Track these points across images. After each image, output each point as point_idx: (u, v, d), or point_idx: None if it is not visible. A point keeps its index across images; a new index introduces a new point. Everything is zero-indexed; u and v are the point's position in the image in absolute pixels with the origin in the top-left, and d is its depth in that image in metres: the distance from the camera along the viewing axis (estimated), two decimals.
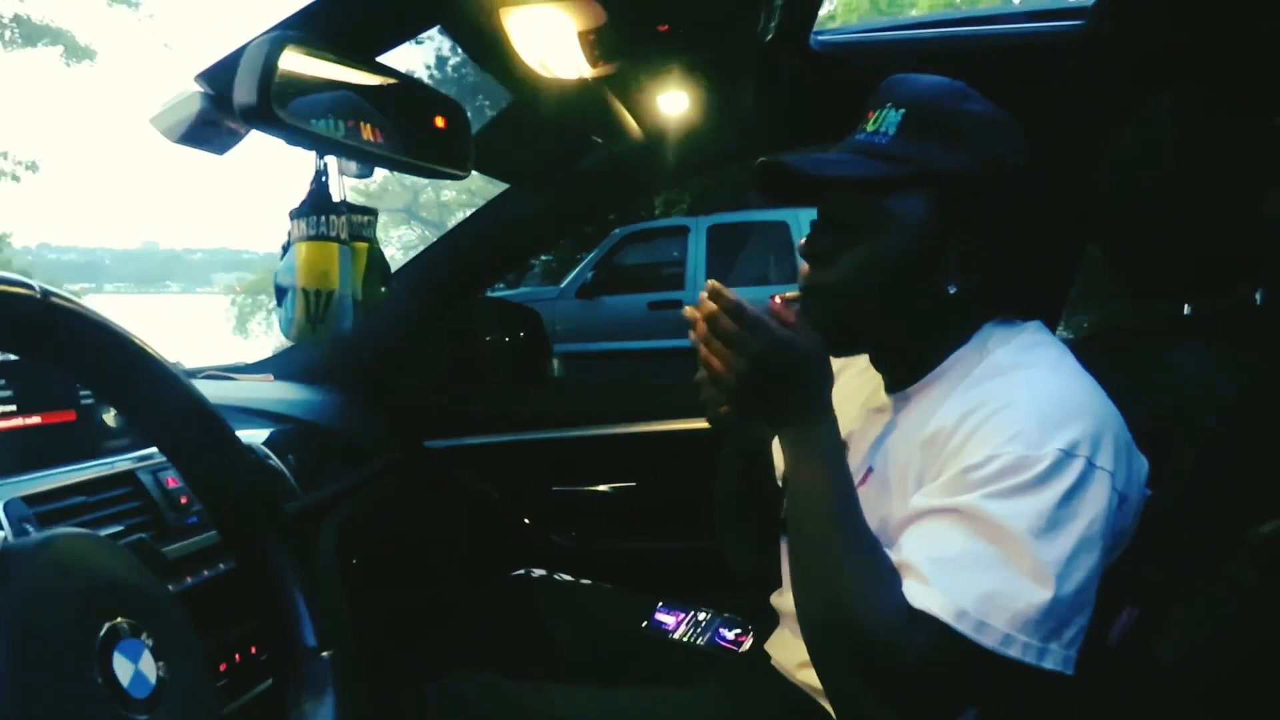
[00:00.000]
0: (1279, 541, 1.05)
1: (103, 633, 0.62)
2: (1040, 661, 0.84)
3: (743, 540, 1.31)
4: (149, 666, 0.65)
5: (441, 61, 12.29)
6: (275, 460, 1.37)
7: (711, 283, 0.95)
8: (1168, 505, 0.98)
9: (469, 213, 1.98)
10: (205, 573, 1.09)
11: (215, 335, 17.55)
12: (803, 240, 1.07)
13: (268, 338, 16.83)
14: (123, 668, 0.62)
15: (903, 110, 1.00)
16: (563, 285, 8.86)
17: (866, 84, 1.07)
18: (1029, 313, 1.08)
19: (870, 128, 1.02)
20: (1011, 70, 1.48)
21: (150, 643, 0.66)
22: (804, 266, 1.06)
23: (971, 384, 0.99)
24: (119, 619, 0.64)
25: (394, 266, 1.34)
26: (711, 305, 0.94)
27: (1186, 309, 1.29)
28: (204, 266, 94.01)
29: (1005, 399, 0.92)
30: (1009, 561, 0.85)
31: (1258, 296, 1.22)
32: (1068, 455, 0.86)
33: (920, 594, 0.86)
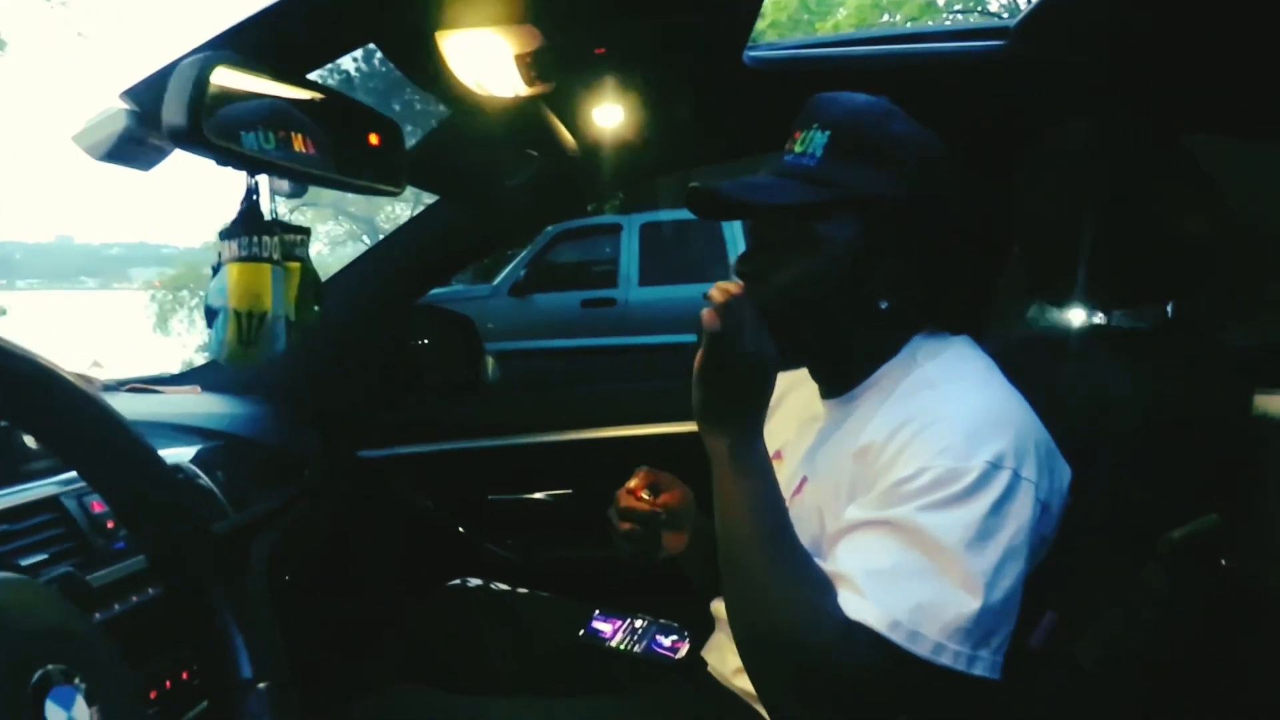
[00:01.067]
0: (1189, 548, 1.10)
1: (34, 680, 0.61)
2: (970, 668, 0.87)
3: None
4: (82, 713, 0.63)
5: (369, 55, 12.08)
6: (204, 479, 1.34)
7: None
8: (1086, 513, 1.02)
9: (397, 207, 1.97)
10: (134, 599, 1.06)
11: (135, 333, 16.94)
12: (737, 259, 1.10)
13: (190, 335, 16.33)
14: (55, 716, 0.61)
15: (829, 132, 1.02)
16: (495, 283, 8.78)
17: (798, 99, 1.09)
18: (957, 325, 1.11)
19: (798, 149, 1.04)
20: (937, 88, 1.52)
21: (83, 687, 0.64)
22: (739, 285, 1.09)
23: (902, 396, 1.03)
24: (49, 665, 0.62)
25: (321, 261, 1.33)
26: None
27: (1101, 319, 1.33)
28: (121, 262, 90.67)
29: (934, 414, 0.96)
30: (941, 572, 0.88)
31: (1169, 309, 1.28)
32: (994, 467, 0.90)
33: (855, 605, 0.89)
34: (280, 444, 1.69)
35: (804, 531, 1.05)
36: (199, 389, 1.75)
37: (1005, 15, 12.61)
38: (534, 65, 1.08)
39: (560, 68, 1.12)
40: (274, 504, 1.51)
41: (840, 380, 1.12)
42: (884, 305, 1.05)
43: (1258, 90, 1.72)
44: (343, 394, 1.95)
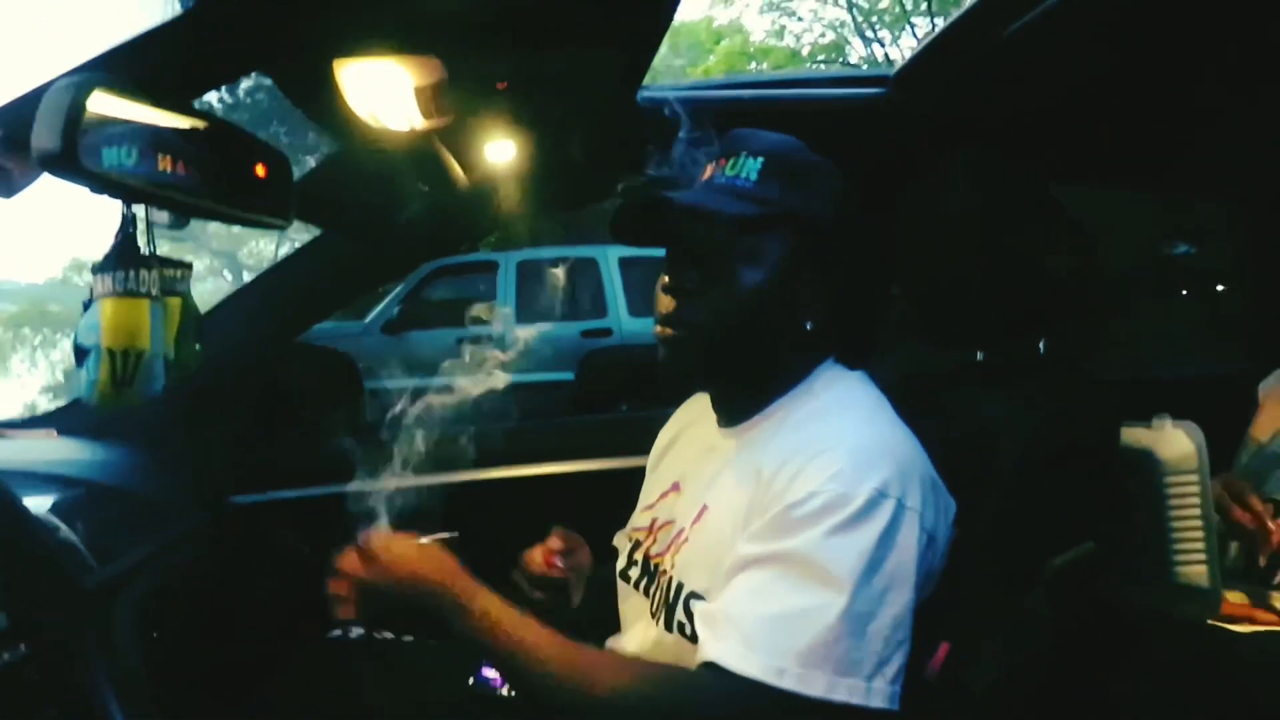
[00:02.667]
0: (1070, 574, 1.16)
1: None
2: (868, 701, 0.89)
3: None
4: None
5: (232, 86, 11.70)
6: (65, 530, 1.24)
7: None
8: (973, 543, 1.06)
9: (261, 242, 1.90)
10: (5, 655, 0.97)
11: None
12: (664, 277, 1.11)
13: (32, 376, 15.25)
14: None
15: (761, 158, 1.07)
16: (367, 320, 8.55)
17: (688, 137, 1.12)
18: (855, 356, 1.15)
19: (730, 172, 1.09)
20: (822, 132, 1.58)
21: None
22: (665, 301, 1.10)
23: (797, 425, 1.06)
24: None
25: None
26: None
27: (979, 356, 1.39)
28: None
29: (825, 442, 0.98)
30: (829, 606, 0.90)
31: (1041, 346, 1.35)
32: (881, 495, 0.93)
33: (739, 658, 0.90)
34: (146, 490, 1.58)
35: (703, 560, 1.06)
36: (54, 433, 1.63)
37: (864, 66, 13.28)
38: (434, 98, 1.07)
39: (460, 101, 1.11)
40: (142, 555, 1.41)
41: (743, 407, 1.14)
42: (809, 325, 1.09)
43: (1109, 143, 1.85)
44: (213, 436, 1.85)
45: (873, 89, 1.60)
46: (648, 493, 1.32)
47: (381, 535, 1.14)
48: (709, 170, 1.12)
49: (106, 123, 0.91)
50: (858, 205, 1.12)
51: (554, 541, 1.34)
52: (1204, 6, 1.19)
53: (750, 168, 1.08)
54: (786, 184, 1.07)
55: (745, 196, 1.06)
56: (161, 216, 1.06)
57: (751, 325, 1.08)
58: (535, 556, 1.34)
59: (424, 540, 1.14)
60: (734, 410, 1.16)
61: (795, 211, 1.06)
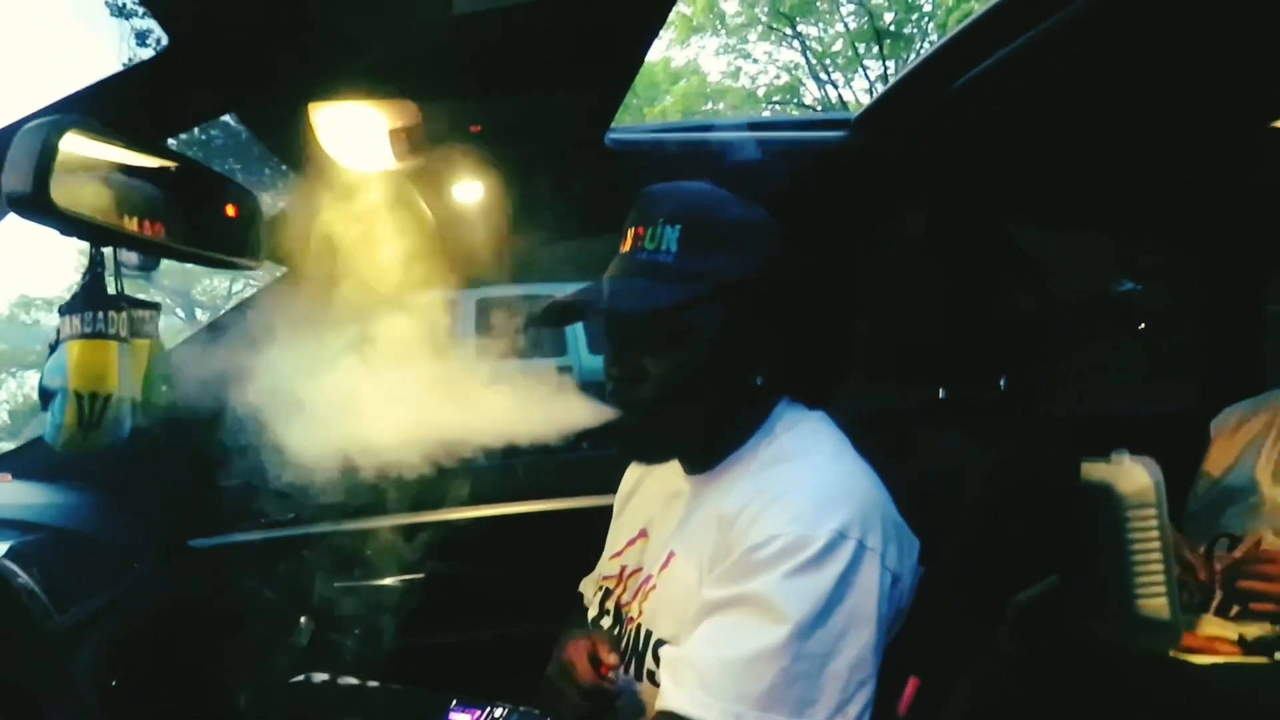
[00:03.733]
0: (1035, 609, 1.17)
1: None
2: None
3: None
4: None
5: None
6: (22, 576, 1.21)
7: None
8: (938, 580, 1.07)
9: (215, 280, 1.87)
10: None
11: None
12: (610, 365, 1.10)
13: None
14: None
15: (679, 226, 1.05)
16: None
17: (654, 179, 1.13)
18: (814, 397, 1.16)
19: (649, 245, 1.06)
20: (786, 174, 1.61)
21: None
22: (616, 390, 1.09)
23: (759, 468, 1.07)
24: None
25: None
26: None
27: (941, 394, 1.42)
28: None
29: (786, 484, 0.99)
30: (785, 649, 0.90)
31: (1002, 383, 1.37)
32: (841, 536, 0.93)
33: (699, 705, 0.91)
34: (104, 535, 1.55)
35: (670, 607, 1.06)
36: (9, 477, 1.59)
37: (818, 108, 13.52)
38: (409, 140, 1.07)
39: (435, 143, 1.11)
40: (100, 601, 1.38)
41: (705, 458, 1.14)
42: (760, 381, 1.08)
43: (1060, 185, 1.91)
44: (171, 479, 1.81)
45: (833, 132, 1.64)
46: (614, 539, 1.31)
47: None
48: (629, 240, 1.09)
49: (79, 164, 0.91)
50: (788, 246, 1.10)
51: (606, 653, 1.13)
52: (1143, 55, 1.24)
53: (669, 238, 1.05)
54: (709, 249, 1.04)
55: (669, 275, 1.04)
56: (130, 257, 1.05)
57: (700, 394, 1.07)
58: (583, 665, 1.15)
59: None
60: (696, 461, 1.16)
61: (723, 279, 1.04)
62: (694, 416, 1.08)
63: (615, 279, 1.08)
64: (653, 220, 1.06)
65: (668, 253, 1.04)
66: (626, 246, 1.09)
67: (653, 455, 1.15)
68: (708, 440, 1.13)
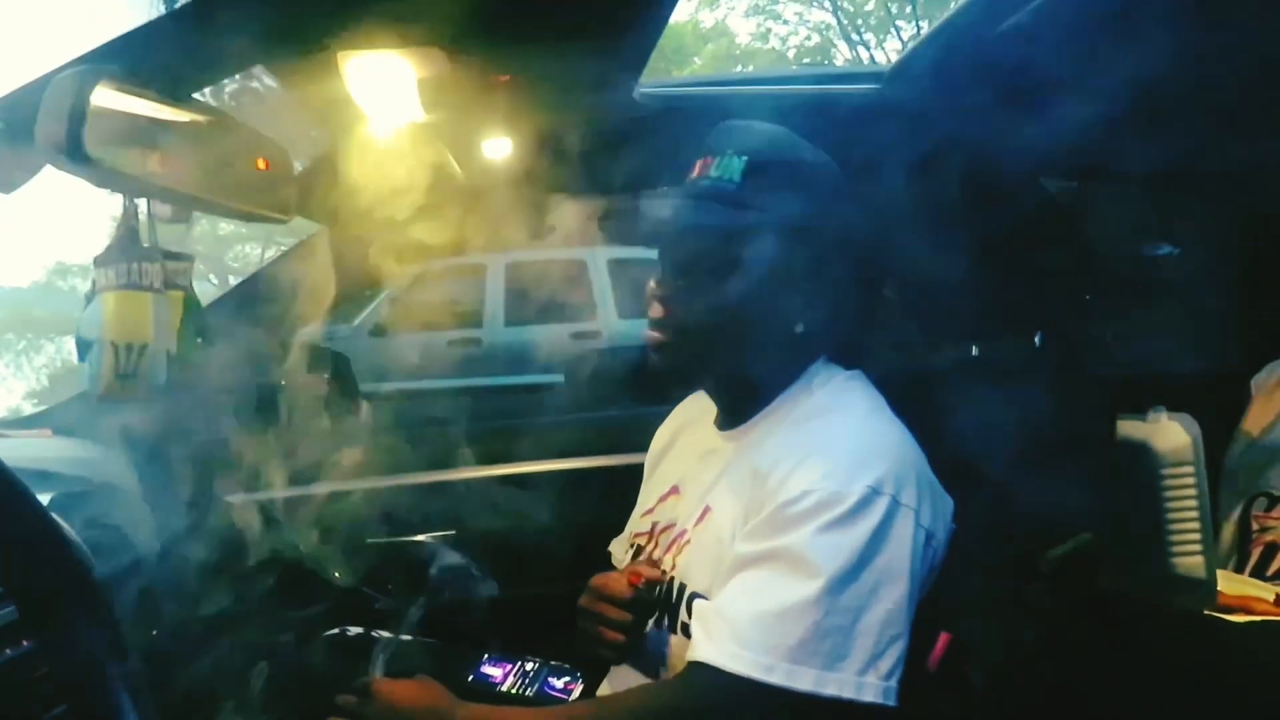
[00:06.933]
0: (1067, 565, 1.16)
1: None
2: (859, 695, 0.90)
3: None
4: None
5: None
6: (65, 528, 1.23)
7: None
8: (971, 537, 1.07)
9: (247, 246, 1.88)
10: (8, 651, 0.97)
11: None
12: (653, 283, 1.11)
13: (18, 381, 15.11)
14: None
15: (745, 158, 1.05)
16: (355, 323, 8.50)
17: (686, 134, 1.12)
18: (850, 356, 1.15)
19: (715, 173, 1.07)
20: (817, 127, 1.58)
21: None
22: (655, 307, 1.09)
23: (795, 423, 1.07)
24: None
25: None
26: None
27: (974, 351, 1.40)
28: None
29: (820, 441, 1.00)
30: (818, 602, 0.90)
31: (1037, 339, 1.35)
32: (874, 492, 0.94)
33: (730, 657, 0.92)
34: (142, 489, 1.57)
35: (705, 561, 1.06)
36: (50, 432, 1.62)
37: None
38: (436, 91, 1.07)
39: (462, 93, 1.11)
40: (138, 553, 1.40)
41: (739, 409, 1.14)
42: (800, 329, 1.07)
43: (1101, 140, 1.87)
44: (208, 435, 1.84)
45: (867, 85, 1.61)
46: (646, 497, 1.32)
47: (380, 681, 1.16)
48: (697, 168, 1.10)
49: (110, 115, 0.91)
50: (850, 200, 1.10)
51: (644, 569, 1.14)
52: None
53: (735, 168, 1.06)
54: (772, 186, 1.05)
55: (729, 201, 1.05)
56: (164, 210, 1.06)
57: (739, 331, 1.07)
58: (615, 583, 1.16)
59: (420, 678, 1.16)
60: (731, 413, 1.16)
61: (780, 217, 1.04)
62: (729, 348, 1.09)
63: (675, 201, 1.09)
64: (722, 150, 1.07)
65: (731, 181, 1.05)
66: (694, 174, 1.10)
67: (683, 376, 1.16)
68: (738, 382, 1.13)
